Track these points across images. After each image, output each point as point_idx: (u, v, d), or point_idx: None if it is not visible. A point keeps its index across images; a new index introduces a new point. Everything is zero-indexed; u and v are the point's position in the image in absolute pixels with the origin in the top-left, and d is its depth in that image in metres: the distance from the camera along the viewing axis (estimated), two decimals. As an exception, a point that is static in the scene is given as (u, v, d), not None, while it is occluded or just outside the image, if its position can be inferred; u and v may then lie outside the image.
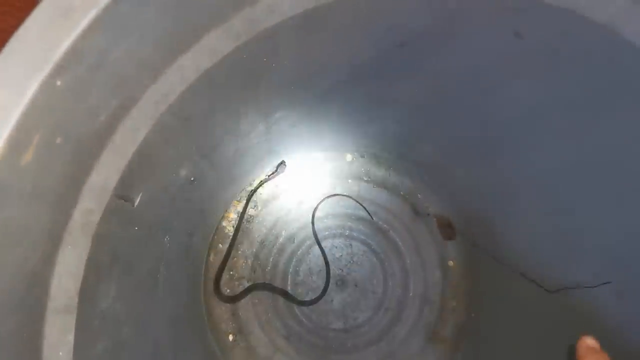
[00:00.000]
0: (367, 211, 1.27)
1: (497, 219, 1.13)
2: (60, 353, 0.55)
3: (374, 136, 1.17)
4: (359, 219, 1.28)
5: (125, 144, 0.58)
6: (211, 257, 1.22)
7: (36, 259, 0.50)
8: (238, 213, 1.24)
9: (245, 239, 1.24)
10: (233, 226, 1.24)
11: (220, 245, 1.23)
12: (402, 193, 1.29)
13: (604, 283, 0.88)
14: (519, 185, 1.01)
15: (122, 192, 0.61)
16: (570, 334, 0.93)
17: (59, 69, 0.39)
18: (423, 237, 1.29)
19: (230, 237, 1.22)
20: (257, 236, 1.25)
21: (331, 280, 1.24)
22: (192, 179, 0.84)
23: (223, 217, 1.24)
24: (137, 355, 0.78)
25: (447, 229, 1.29)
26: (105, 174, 0.57)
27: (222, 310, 1.22)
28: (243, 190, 1.25)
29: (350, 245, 1.27)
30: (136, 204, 0.67)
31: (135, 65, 0.51)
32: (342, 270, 1.26)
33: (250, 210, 1.25)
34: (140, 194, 0.67)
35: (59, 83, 0.40)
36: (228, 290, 1.22)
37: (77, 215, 0.55)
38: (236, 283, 1.24)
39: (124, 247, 0.69)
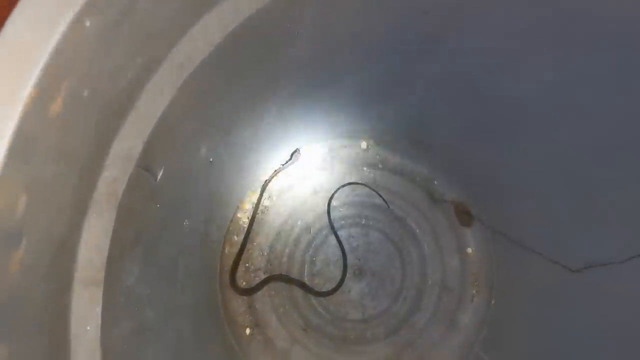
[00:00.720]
0: (383, 199, 1.24)
1: (517, 202, 1.11)
2: (88, 327, 0.53)
3: (390, 120, 1.15)
4: (375, 207, 1.25)
5: (149, 111, 0.56)
6: (226, 249, 1.20)
7: (63, 225, 0.48)
8: (253, 204, 1.22)
9: (260, 230, 1.22)
10: (248, 217, 1.21)
11: (235, 237, 1.21)
12: (418, 180, 1.27)
13: (632, 257, 0.86)
14: (541, 165, 0.99)
15: (145, 163, 0.59)
16: (596, 314, 0.91)
17: (89, 8, 0.37)
18: (440, 224, 1.26)
19: (245, 229, 1.20)
20: (272, 227, 1.23)
21: (348, 270, 1.22)
22: (210, 159, 0.82)
23: (238, 208, 1.21)
24: (162, 341, 0.75)
25: (464, 216, 1.26)
26: (130, 141, 0.55)
27: (238, 303, 1.19)
28: (257, 180, 1.23)
29: (367, 234, 1.25)
30: (158, 177, 0.65)
31: (162, 18, 0.49)
32: (360, 260, 1.23)
33: (265, 201, 1.23)
34: (162, 169, 0.65)
35: (88, 24, 0.38)
36: (244, 283, 1.20)
37: (103, 184, 0.53)
38: (252, 275, 1.21)
39: (147, 226, 0.67)
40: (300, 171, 1.24)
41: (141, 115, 0.55)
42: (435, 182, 1.27)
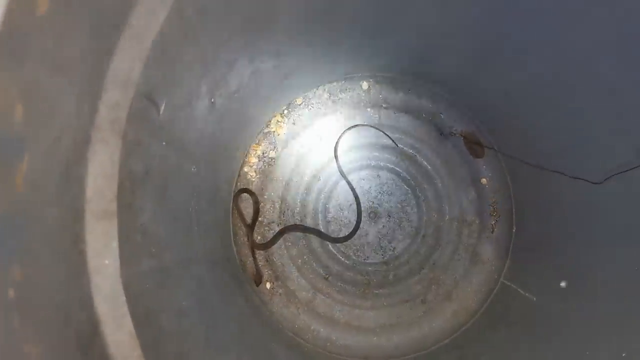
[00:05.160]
0: (390, 138, 1.21)
1: (529, 120, 1.08)
2: (107, 261, 0.50)
3: (390, 53, 1.11)
4: (384, 147, 1.22)
5: (144, 29, 0.53)
6: (238, 201, 1.17)
7: (66, 148, 0.45)
8: (259, 157, 1.19)
9: (269, 182, 1.19)
10: (255, 171, 1.19)
11: (244, 193, 1.18)
12: (424, 115, 1.24)
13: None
14: (548, 78, 0.96)
15: (146, 90, 0.56)
16: (622, 223, 0.89)
17: None
18: (452, 158, 1.24)
19: (253, 183, 1.17)
20: (281, 178, 1.20)
21: (363, 213, 1.19)
22: (212, 99, 0.79)
23: (244, 163, 1.18)
24: (183, 287, 0.73)
25: (475, 146, 1.24)
26: (127, 62, 0.52)
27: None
28: (260, 132, 1.20)
29: (378, 175, 1.22)
30: (161, 110, 0.61)
31: None
32: (373, 202, 1.21)
33: (271, 152, 1.20)
34: (164, 102, 0.62)
35: None
36: (259, 237, 1.17)
37: (104, 108, 0.50)
38: (266, 229, 1.19)
39: (156, 164, 0.64)
40: (303, 119, 1.21)
41: (136, 34, 0.52)
42: (442, 115, 1.24)
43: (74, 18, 0.42)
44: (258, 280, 1.14)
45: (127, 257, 0.53)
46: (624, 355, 0.80)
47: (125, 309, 0.51)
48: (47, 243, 0.42)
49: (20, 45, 0.35)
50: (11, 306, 0.36)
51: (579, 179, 0.97)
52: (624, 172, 0.88)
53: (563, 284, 1.00)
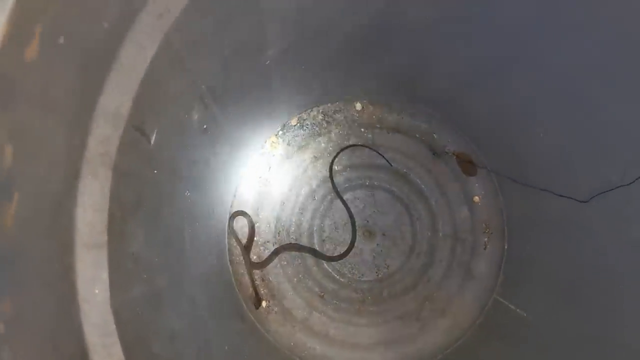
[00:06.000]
0: (384, 158, 1.23)
1: (519, 140, 1.10)
2: (96, 291, 0.52)
3: (382, 75, 1.13)
4: (378, 167, 1.24)
5: (133, 65, 0.55)
6: (233, 224, 1.18)
7: (56, 183, 0.47)
8: (254, 178, 1.21)
9: (264, 201, 1.21)
10: (250, 192, 1.21)
11: (241, 216, 1.19)
12: (417, 135, 1.26)
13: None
14: (539, 96, 0.98)
15: (137, 123, 0.58)
16: (610, 240, 0.90)
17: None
18: (445, 177, 1.25)
19: (249, 205, 1.19)
20: (276, 198, 1.22)
21: (358, 232, 1.21)
22: (204, 126, 0.81)
23: (240, 184, 1.20)
24: (176, 309, 0.75)
25: (467, 165, 1.25)
26: (117, 97, 0.54)
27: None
28: (256, 153, 1.22)
29: (373, 194, 1.23)
30: (152, 140, 0.63)
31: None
32: (368, 221, 1.23)
33: (266, 173, 1.22)
34: (155, 131, 0.64)
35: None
36: (255, 257, 1.19)
37: (94, 142, 0.52)
38: (261, 248, 1.20)
39: (147, 192, 0.66)
40: (298, 140, 1.23)
41: (125, 69, 0.54)
42: (435, 135, 1.25)
43: (63, 59, 0.44)
44: (257, 304, 1.15)
45: (117, 285, 0.55)
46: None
47: (115, 337, 0.52)
48: (37, 275, 0.44)
49: (9, 88, 0.37)
50: (1, 339, 0.38)
51: (566, 197, 0.98)
52: (608, 191, 0.90)
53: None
